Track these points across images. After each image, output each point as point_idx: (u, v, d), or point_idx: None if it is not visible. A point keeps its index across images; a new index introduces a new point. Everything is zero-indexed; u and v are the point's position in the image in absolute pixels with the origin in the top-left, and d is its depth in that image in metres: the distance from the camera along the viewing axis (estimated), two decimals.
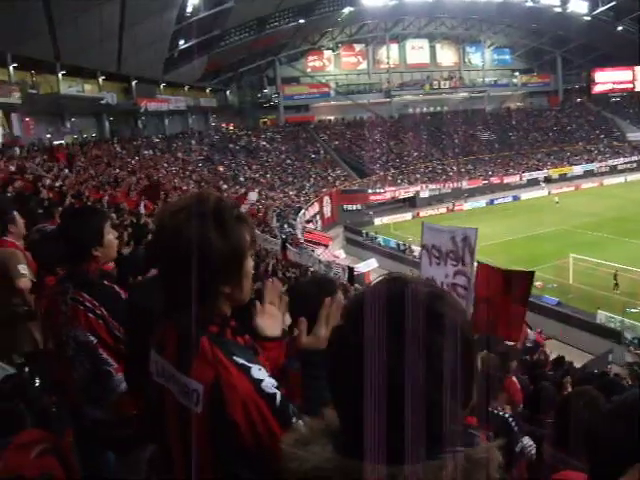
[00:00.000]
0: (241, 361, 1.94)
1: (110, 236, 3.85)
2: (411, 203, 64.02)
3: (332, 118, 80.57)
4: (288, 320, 2.68)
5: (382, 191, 63.89)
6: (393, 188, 65.04)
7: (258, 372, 1.94)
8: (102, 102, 50.20)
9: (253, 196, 41.07)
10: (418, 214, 57.91)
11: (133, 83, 55.99)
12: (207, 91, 71.91)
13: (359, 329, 1.16)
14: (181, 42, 56.68)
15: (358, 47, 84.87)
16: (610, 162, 76.51)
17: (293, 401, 2.01)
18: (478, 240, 7.25)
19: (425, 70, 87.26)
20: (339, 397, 1.23)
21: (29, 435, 2.72)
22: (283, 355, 2.57)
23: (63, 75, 45.56)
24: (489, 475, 1.15)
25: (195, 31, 55.12)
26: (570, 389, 8.68)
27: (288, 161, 67.14)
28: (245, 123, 75.19)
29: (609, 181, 70.33)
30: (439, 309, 1.20)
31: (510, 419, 5.00)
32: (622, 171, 74.15)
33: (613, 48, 79.31)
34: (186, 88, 66.04)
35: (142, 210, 19.80)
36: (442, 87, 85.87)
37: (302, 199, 56.85)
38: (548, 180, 71.32)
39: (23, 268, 5.22)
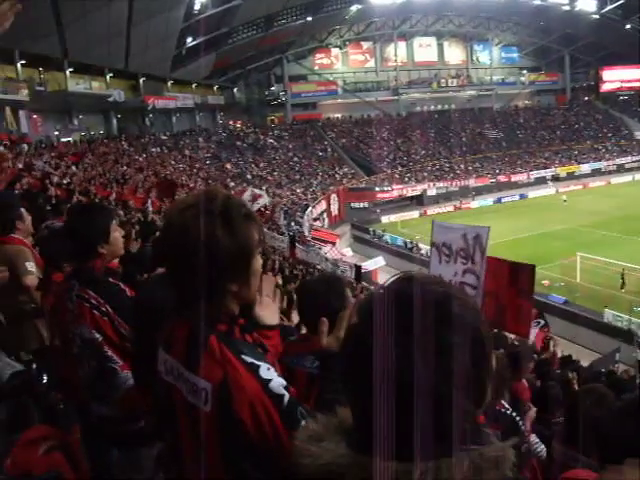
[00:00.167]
0: (250, 360, 1.94)
1: (116, 234, 3.84)
2: (418, 201, 64.05)
3: (339, 116, 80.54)
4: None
5: (389, 189, 63.90)
6: (400, 186, 65.04)
7: (267, 372, 1.93)
8: (110, 99, 50.35)
9: (262, 201, 40.80)
10: (425, 212, 57.95)
11: (141, 80, 56.15)
12: (215, 89, 71.89)
13: (374, 327, 1.16)
14: (189, 39, 56.72)
15: (366, 45, 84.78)
16: (618, 161, 76.37)
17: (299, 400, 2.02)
18: (488, 239, 7.24)
19: (433, 68, 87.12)
20: (353, 394, 1.23)
21: (37, 431, 2.72)
22: (280, 343, 2.66)
23: (71, 72, 45.72)
24: (503, 474, 1.15)
25: (203, 28, 55.19)
26: (576, 385, 8.67)
27: (295, 159, 67.16)
28: (252, 121, 75.21)
29: (617, 180, 70.20)
30: (455, 308, 1.20)
31: (517, 418, 4.99)
32: (630, 170, 73.89)
33: (621, 46, 78.99)
34: (194, 85, 66.08)
35: (149, 207, 19.83)
36: (450, 85, 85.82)
37: (309, 197, 56.84)
38: (556, 178, 71.24)
39: (30, 265, 5.22)
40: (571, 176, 72.50)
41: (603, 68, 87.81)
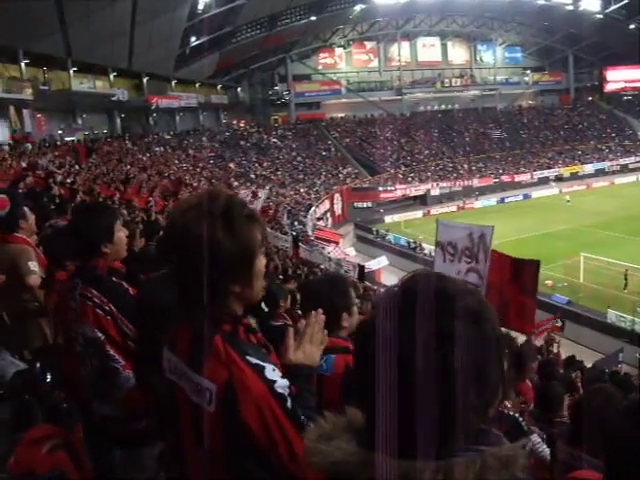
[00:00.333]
0: (255, 361, 1.94)
1: (120, 234, 3.84)
2: (422, 201, 63.92)
3: (343, 115, 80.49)
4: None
5: (393, 189, 63.84)
6: (404, 186, 64.99)
7: (272, 372, 1.94)
8: (113, 99, 50.34)
9: (262, 194, 40.79)
10: (429, 212, 57.89)
11: (144, 80, 56.15)
12: (218, 88, 71.93)
13: (388, 325, 1.16)
14: (192, 39, 56.84)
15: (369, 44, 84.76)
16: (622, 161, 76.19)
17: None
18: (492, 238, 7.23)
19: (436, 68, 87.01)
20: (365, 393, 1.21)
21: (40, 430, 2.73)
22: None
23: (74, 71, 45.71)
24: (514, 475, 1.15)
25: (206, 28, 55.26)
26: (580, 385, 8.66)
27: (299, 158, 67.13)
28: (256, 120, 75.15)
29: (620, 180, 70.04)
30: (475, 305, 1.21)
31: (520, 419, 4.99)
32: (634, 170, 73.68)
33: (625, 46, 78.79)
34: (197, 85, 66.12)
35: (152, 206, 19.80)
36: (453, 85, 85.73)
37: (313, 196, 56.77)
38: (559, 179, 71.13)
39: (33, 265, 5.24)
40: (575, 176, 72.34)
41: (607, 68, 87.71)
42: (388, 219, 57.23)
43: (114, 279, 3.85)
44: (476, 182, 68.18)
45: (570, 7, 77.87)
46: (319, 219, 52.27)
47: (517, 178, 70.76)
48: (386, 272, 36.26)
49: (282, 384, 1.94)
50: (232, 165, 59.62)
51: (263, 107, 77.71)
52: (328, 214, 56.17)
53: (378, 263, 37.25)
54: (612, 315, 27.81)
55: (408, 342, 1.13)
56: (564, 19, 79.34)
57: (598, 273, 33.74)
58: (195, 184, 40.51)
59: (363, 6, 72.06)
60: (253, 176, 58.36)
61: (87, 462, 2.93)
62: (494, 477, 1.12)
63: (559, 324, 21.79)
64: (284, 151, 68.17)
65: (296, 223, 44.96)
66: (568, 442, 3.92)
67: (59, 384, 3.65)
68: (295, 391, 2.05)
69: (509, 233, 39.42)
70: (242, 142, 67.17)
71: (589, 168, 74.48)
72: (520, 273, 8.05)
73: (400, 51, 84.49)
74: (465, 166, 71.53)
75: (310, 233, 43.29)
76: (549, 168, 73.48)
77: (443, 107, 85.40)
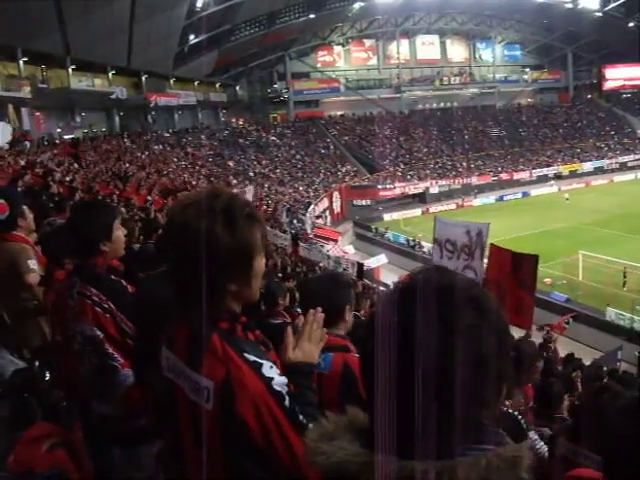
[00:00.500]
0: (252, 358, 1.94)
1: (119, 232, 3.84)
2: (421, 199, 63.90)
3: (342, 113, 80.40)
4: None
5: (392, 187, 63.87)
6: (403, 184, 65.05)
7: (269, 370, 1.94)
8: (112, 97, 50.28)
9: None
10: (428, 210, 57.82)
11: (143, 78, 56.06)
12: (217, 86, 71.83)
13: (393, 322, 1.15)
14: (191, 37, 56.77)
15: (368, 42, 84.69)
16: (620, 159, 76.18)
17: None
18: (489, 236, 7.25)
19: (435, 66, 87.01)
20: (370, 392, 1.20)
21: (40, 429, 2.73)
22: None
23: (73, 70, 45.65)
24: (518, 475, 1.14)
25: (205, 26, 55.26)
26: (579, 383, 8.67)
27: (298, 156, 67.12)
28: (255, 118, 75.17)
29: (619, 178, 70.05)
30: (485, 299, 1.21)
31: (519, 417, 4.99)
32: (632, 168, 73.61)
33: (624, 44, 78.76)
34: (196, 83, 66.04)
35: (151, 205, 19.79)
36: (452, 83, 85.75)
37: (312, 194, 56.81)
38: (558, 177, 71.11)
39: (32, 263, 5.23)
40: (573, 174, 72.28)
41: (606, 66, 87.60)
42: (387, 217, 57.19)
43: (113, 277, 3.86)
44: (475, 180, 68.24)
45: (569, 5, 77.89)
46: (318, 217, 52.22)
47: (516, 176, 70.77)
48: (385, 270, 36.26)
49: (280, 382, 1.94)
50: (231, 163, 59.59)
51: (262, 105, 77.68)
52: (327, 212, 56.14)
53: (377, 261, 37.23)
54: (611, 313, 27.83)
55: (423, 336, 1.11)
56: (563, 17, 79.41)
57: (597, 271, 33.74)
58: (194, 182, 40.49)
59: (362, 4, 71.97)
60: (252, 174, 58.31)
61: (86, 461, 2.93)
62: (499, 478, 1.11)
63: (569, 322, 21.94)
64: (283, 149, 68.15)
65: (295, 221, 44.94)
66: (570, 439, 3.92)
67: (58, 383, 3.65)
68: (295, 389, 2.05)
69: (508, 231, 39.43)
70: (241, 140, 67.12)
71: (588, 166, 74.49)
72: (519, 267, 8.07)
73: (399, 49, 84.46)
74: (464, 164, 71.54)
75: (309, 231, 43.27)
76: (548, 166, 73.45)
77: (442, 105, 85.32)
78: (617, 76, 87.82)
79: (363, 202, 61.01)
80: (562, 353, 15.78)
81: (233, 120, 73.44)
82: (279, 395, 1.91)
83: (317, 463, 1.22)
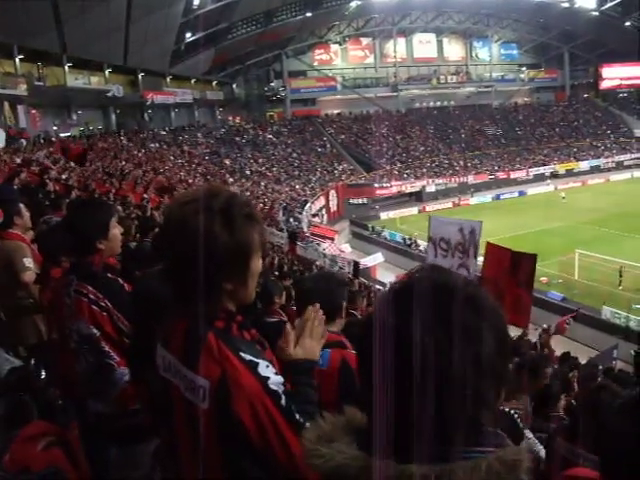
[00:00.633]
0: (248, 357, 1.93)
1: (115, 230, 3.83)
2: (417, 197, 63.94)
3: (339, 112, 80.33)
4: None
5: (388, 185, 63.92)
6: (399, 182, 65.09)
7: (265, 369, 1.93)
8: (108, 94, 50.19)
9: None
10: (424, 208, 57.79)
11: (140, 76, 56.04)
12: (214, 84, 71.80)
13: (391, 323, 1.15)
14: (188, 35, 56.79)
15: (365, 41, 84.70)
16: (617, 158, 76.29)
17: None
18: (482, 234, 7.25)
19: (432, 64, 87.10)
20: (367, 394, 1.19)
21: (35, 427, 2.72)
22: None
23: (69, 67, 45.59)
24: (518, 477, 1.13)
25: (202, 24, 55.12)
26: (575, 382, 8.67)
27: (294, 155, 67.07)
28: (252, 116, 75.09)
29: (616, 177, 70.18)
30: (485, 299, 1.21)
31: (515, 415, 4.99)
32: (629, 167, 73.84)
33: (621, 44, 78.84)
34: (193, 81, 65.99)
35: (148, 203, 19.77)
36: (449, 82, 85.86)
37: (308, 193, 56.74)
38: (555, 176, 71.16)
39: (28, 261, 5.23)
40: (570, 173, 72.41)
41: (602, 65, 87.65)
42: (384, 215, 57.16)
43: (109, 275, 3.85)
44: (471, 179, 68.25)
45: (566, 4, 77.91)
46: (314, 215, 52.22)
47: (512, 175, 70.82)
48: (381, 269, 36.28)
49: (276, 381, 1.93)
50: (227, 161, 59.56)
51: (258, 103, 77.70)
52: (323, 210, 56.12)
53: (373, 260, 37.26)
54: (607, 312, 27.86)
55: (420, 336, 1.11)
56: (560, 16, 79.45)
57: (593, 270, 33.78)
58: (190, 180, 40.47)
59: (359, 2, 72.01)
60: (248, 172, 58.31)
61: (83, 459, 2.92)
62: None
63: (569, 321, 21.95)
64: (279, 147, 68.09)
65: (291, 219, 44.96)
66: (567, 438, 3.92)
67: (54, 381, 3.64)
68: (294, 387, 2.05)
69: (504, 230, 39.48)
70: (237, 138, 67.09)
71: (584, 165, 74.63)
72: (517, 266, 8.09)
73: (396, 47, 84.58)
74: (461, 163, 71.57)
75: (305, 229, 43.27)
76: (544, 165, 73.46)
77: (439, 104, 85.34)
78: (613, 75, 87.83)
79: (359, 200, 60.98)
80: (558, 352, 15.80)
81: (230, 118, 73.37)
82: (275, 394, 1.91)
83: (315, 465, 1.21)
